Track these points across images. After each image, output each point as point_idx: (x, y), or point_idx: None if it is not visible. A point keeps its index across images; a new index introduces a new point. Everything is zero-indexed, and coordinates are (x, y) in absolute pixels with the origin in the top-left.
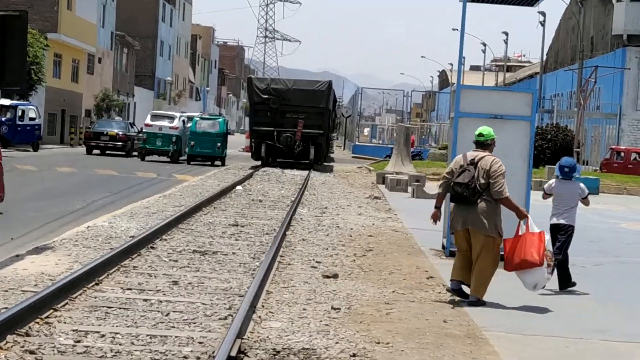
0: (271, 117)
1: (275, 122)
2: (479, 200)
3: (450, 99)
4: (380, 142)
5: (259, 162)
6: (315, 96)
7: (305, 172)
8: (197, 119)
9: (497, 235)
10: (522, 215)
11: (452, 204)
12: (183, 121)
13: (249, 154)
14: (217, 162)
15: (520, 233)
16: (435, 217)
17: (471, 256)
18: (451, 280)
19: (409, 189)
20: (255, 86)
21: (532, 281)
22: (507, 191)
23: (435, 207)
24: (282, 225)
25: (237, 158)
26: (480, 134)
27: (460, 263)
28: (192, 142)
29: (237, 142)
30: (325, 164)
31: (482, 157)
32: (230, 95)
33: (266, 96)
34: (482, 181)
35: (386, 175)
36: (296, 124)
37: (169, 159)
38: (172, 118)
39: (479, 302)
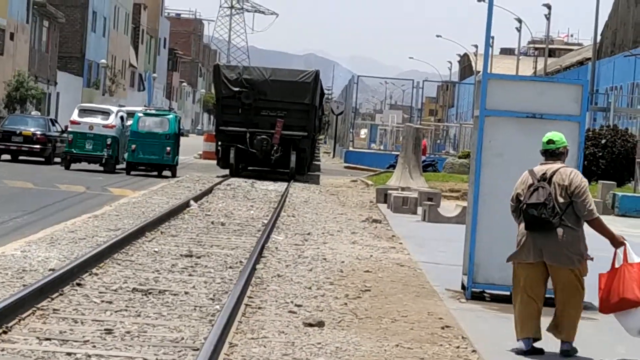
0: (243, 115)
1: (248, 122)
2: (557, 227)
3: (474, 92)
4: (382, 147)
5: (226, 171)
6: (298, 89)
7: (282, 186)
8: (140, 115)
9: (584, 263)
10: (617, 243)
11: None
12: (121, 118)
13: (209, 161)
14: (166, 172)
15: (616, 265)
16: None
17: (538, 295)
18: (522, 339)
19: (419, 209)
20: (223, 76)
21: (636, 325)
22: (596, 210)
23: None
24: (250, 256)
25: (192, 167)
26: (550, 141)
27: (528, 309)
28: (133, 146)
29: (193, 147)
30: (310, 174)
31: (555, 171)
32: (185, 84)
33: (237, 89)
34: (561, 200)
35: (389, 191)
36: (274, 124)
37: (102, 168)
38: (106, 114)
39: (573, 350)
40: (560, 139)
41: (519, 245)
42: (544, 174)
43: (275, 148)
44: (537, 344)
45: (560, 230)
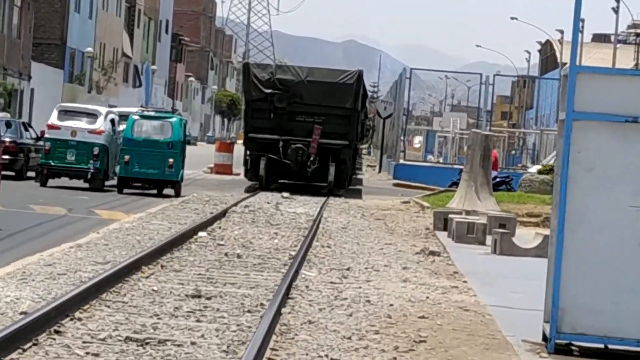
0: (275, 121)
1: (281, 128)
2: None
3: (558, 90)
4: (441, 160)
5: (254, 183)
6: (338, 92)
7: (315, 208)
8: (136, 117)
9: None
10: None
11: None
12: (112, 121)
13: (222, 176)
14: (168, 191)
15: None
16: None
17: None
18: None
19: (488, 239)
20: (254, 76)
21: None
22: None
23: None
24: (274, 297)
25: (200, 184)
26: None
27: None
28: (127, 157)
29: (202, 158)
30: (351, 188)
31: None
32: (192, 79)
33: (269, 90)
34: None
35: (450, 216)
36: (311, 131)
37: (87, 185)
38: (93, 116)
39: None
40: None
41: None
42: None
43: (312, 159)
44: None
45: None
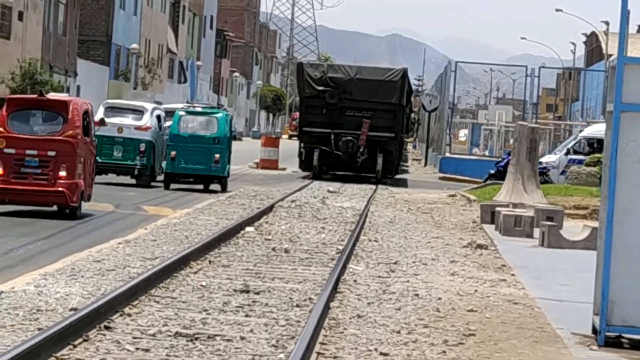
0: (327, 116)
1: (332, 122)
2: None
3: (605, 82)
4: (487, 153)
5: (309, 174)
6: (384, 89)
7: (361, 202)
8: (182, 113)
9: None
10: None
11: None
12: (158, 117)
13: (267, 171)
14: (215, 186)
15: None
16: None
17: None
18: None
19: (536, 232)
20: (307, 74)
21: None
22: None
23: None
24: (323, 291)
25: (246, 179)
26: None
27: None
28: (173, 153)
29: (248, 153)
30: (397, 177)
31: None
32: (236, 74)
33: (321, 88)
34: None
35: (497, 208)
36: (360, 125)
37: (134, 181)
38: (140, 112)
39: None
40: None
41: None
42: None
43: (361, 150)
44: None
45: None
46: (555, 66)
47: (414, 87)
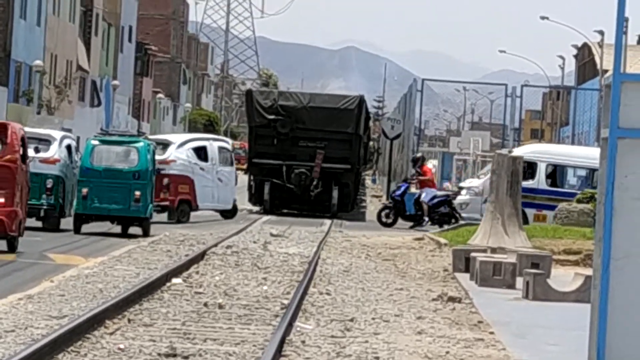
0: (279, 146)
1: (284, 153)
2: None
3: (600, 102)
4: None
5: (259, 208)
6: (339, 117)
7: (310, 247)
8: (95, 143)
9: None
10: None
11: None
12: (68, 148)
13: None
14: (135, 230)
15: None
16: None
17: None
18: None
19: (519, 281)
20: (256, 102)
21: None
22: None
23: None
24: (264, 354)
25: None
26: None
27: None
28: (85, 190)
29: None
30: (354, 220)
31: None
32: (161, 95)
33: (272, 116)
34: None
35: (473, 254)
36: (313, 156)
37: (40, 223)
38: (46, 142)
39: None
40: None
41: None
42: None
43: (315, 183)
44: None
45: None
46: (541, 84)
47: (372, 109)
